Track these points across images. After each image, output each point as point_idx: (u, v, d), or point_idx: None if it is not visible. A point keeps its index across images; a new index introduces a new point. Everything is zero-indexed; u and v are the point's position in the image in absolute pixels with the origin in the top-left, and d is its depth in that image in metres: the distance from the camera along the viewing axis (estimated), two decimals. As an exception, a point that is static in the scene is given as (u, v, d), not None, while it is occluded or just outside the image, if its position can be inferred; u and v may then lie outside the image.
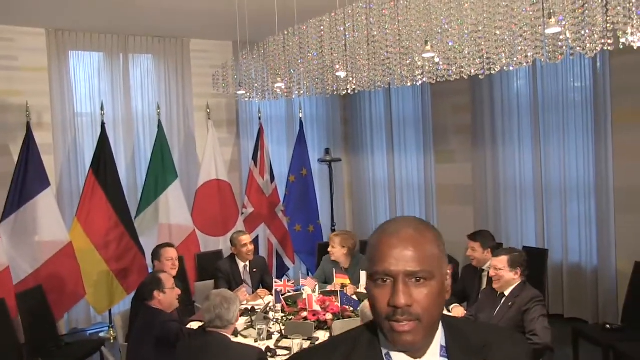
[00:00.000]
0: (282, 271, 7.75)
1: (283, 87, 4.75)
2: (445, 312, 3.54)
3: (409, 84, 4.12)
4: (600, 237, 6.27)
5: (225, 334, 3.30)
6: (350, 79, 4.19)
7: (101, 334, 6.92)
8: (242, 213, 7.56)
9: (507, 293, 3.96)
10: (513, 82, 7.03)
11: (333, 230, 8.56)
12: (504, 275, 3.94)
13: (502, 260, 3.96)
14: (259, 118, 7.93)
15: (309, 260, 7.98)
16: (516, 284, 3.94)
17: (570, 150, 6.45)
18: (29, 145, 6.29)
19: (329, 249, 5.53)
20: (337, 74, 4.11)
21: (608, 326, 4.93)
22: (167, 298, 3.91)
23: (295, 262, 8.03)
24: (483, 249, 4.70)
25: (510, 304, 3.88)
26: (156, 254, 5.05)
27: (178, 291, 4.05)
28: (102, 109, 6.77)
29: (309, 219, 8.19)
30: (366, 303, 3.14)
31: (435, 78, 4.03)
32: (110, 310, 6.92)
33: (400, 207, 8.50)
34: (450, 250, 5.49)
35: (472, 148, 7.44)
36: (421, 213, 8.14)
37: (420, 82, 4.08)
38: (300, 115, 8.30)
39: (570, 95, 6.46)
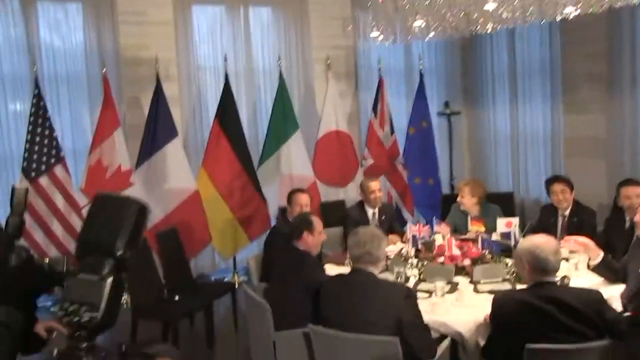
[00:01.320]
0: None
1: (422, 24, 4.57)
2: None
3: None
4: None
5: (373, 270, 3.25)
6: (500, 11, 3.93)
7: (226, 279, 7.14)
8: (362, 165, 7.51)
9: None
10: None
11: (452, 186, 8.39)
12: None
13: None
14: (379, 69, 7.78)
15: (427, 213, 7.81)
16: None
17: None
18: (158, 97, 6.49)
19: (459, 199, 5.38)
20: (486, 7, 3.88)
21: None
22: (315, 241, 3.91)
23: (414, 216, 7.91)
24: None
25: None
26: (289, 197, 5.09)
27: (325, 237, 4.04)
28: (225, 60, 6.86)
29: (429, 172, 8.01)
30: (532, 240, 2.98)
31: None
32: (234, 257, 7.13)
33: (523, 161, 8.13)
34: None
35: (607, 98, 6.95)
36: (546, 166, 7.76)
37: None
38: (421, 66, 8.07)
39: None
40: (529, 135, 8.05)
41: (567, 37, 7.33)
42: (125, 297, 4.94)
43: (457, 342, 3.37)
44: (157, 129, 6.45)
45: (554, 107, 7.64)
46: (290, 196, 5.10)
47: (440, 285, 3.59)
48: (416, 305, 3.14)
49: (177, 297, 4.97)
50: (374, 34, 5.08)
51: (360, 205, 5.57)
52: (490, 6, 3.83)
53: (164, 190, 6.46)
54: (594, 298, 2.86)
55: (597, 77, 7.07)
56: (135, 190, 6.09)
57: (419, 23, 4.55)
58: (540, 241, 2.94)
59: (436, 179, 8.05)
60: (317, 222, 3.96)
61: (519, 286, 3.74)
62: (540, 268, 2.85)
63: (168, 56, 6.95)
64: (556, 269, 2.90)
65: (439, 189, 7.94)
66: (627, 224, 4.57)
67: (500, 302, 2.90)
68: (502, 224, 4.65)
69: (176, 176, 6.51)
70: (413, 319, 3.06)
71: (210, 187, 6.78)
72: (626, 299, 3.40)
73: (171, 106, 6.60)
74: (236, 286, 6.71)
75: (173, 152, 6.51)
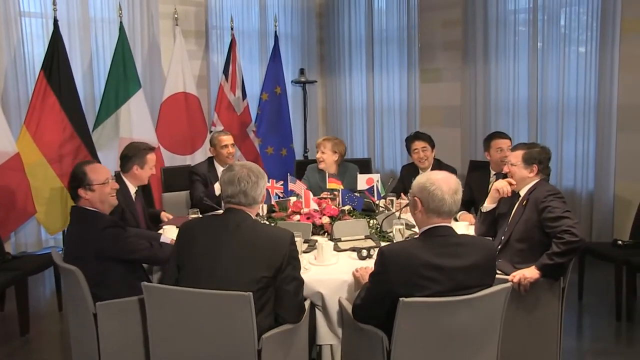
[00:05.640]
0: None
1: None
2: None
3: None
4: (598, 159, 5.92)
5: (250, 213, 2.71)
6: None
7: (53, 258, 6.24)
8: (211, 131, 6.91)
9: (522, 193, 3.48)
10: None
11: (306, 157, 8.04)
12: (517, 172, 3.45)
13: (517, 155, 3.47)
14: (231, 29, 7.22)
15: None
16: (533, 183, 3.44)
17: (571, 66, 6.03)
18: (-34, 40, 5.48)
19: (318, 156, 5.00)
20: None
21: (620, 242, 4.61)
22: (97, 195, 3.14)
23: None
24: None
25: (524, 202, 3.38)
26: (140, 157, 4.19)
27: (115, 185, 3.29)
28: (54, 4, 5.95)
29: (282, 142, 7.62)
30: (429, 175, 2.57)
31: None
32: (63, 232, 6.26)
33: (379, 132, 7.99)
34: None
35: (462, 65, 6.93)
36: (402, 136, 7.63)
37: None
38: (275, 27, 7.63)
39: (574, 8, 6.00)
40: (385, 106, 7.92)
41: (423, 4, 7.24)
42: None
43: (314, 305, 2.95)
44: (-34, 79, 5.44)
45: (410, 76, 7.55)
46: (143, 156, 4.17)
47: (298, 240, 3.13)
48: (297, 253, 2.70)
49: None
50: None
51: (210, 161, 5.01)
52: None
53: (-24, 153, 5.46)
54: (491, 248, 2.58)
55: (453, 45, 7.05)
56: None
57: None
58: (438, 177, 2.53)
59: (289, 150, 7.68)
60: (92, 171, 3.18)
61: (383, 243, 3.41)
62: (434, 208, 2.47)
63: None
64: (452, 212, 2.51)
65: (292, 160, 7.56)
66: (492, 179, 4.47)
67: (387, 256, 2.41)
68: (362, 180, 4.33)
69: (-9, 136, 5.53)
70: (294, 270, 2.61)
71: (34, 150, 5.86)
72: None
73: (-16, 54, 5.60)
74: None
75: (-14, 108, 5.52)
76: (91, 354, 2.97)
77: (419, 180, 2.56)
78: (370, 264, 3.05)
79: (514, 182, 3.51)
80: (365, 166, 6.15)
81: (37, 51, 6.30)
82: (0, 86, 6.06)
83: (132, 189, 4.25)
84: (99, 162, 5.83)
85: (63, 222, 6.09)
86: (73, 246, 3.13)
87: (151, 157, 4.26)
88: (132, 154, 4.23)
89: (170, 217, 4.45)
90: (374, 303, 2.50)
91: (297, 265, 2.65)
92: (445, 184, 2.48)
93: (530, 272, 3.08)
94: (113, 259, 3.02)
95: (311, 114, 8.28)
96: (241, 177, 2.66)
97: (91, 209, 3.14)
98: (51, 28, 5.95)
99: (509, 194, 3.53)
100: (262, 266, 2.51)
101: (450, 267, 2.36)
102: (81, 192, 3.12)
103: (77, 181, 3.14)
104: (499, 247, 3.37)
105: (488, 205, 3.63)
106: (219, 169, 4.92)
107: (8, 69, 6.12)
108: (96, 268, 2.98)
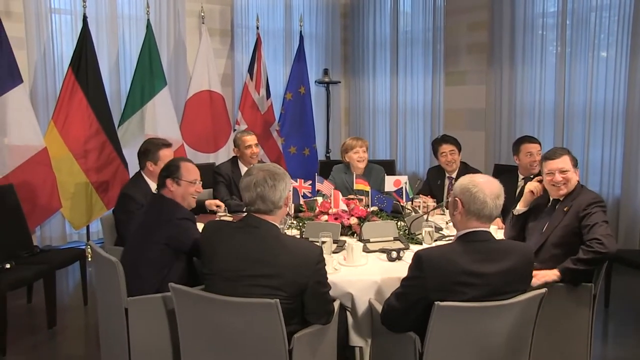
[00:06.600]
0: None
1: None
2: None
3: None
4: (626, 165, 5.84)
5: (273, 222, 2.61)
6: None
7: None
8: (235, 130, 6.94)
9: (561, 198, 3.41)
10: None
11: (328, 157, 8.05)
12: (573, 177, 3.35)
13: (566, 161, 3.36)
14: (257, 28, 7.24)
15: (303, 184, 7.43)
16: (574, 187, 3.38)
17: (600, 71, 5.95)
18: (-4, 34, 5.52)
19: (360, 155, 5.00)
20: None
21: (649, 250, 4.56)
22: (181, 191, 3.21)
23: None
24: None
25: (565, 208, 3.31)
26: (153, 153, 4.13)
27: (199, 189, 3.36)
28: (84, 0, 6.00)
29: (305, 142, 7.63)
30: (472, 177, 2.55)
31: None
32: (88, 227, 6.32)
33: (402, 134, 7.97)
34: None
35: (487, 69, 6.89)
36: (425, 139, 7.61)
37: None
38: (301, 26, 7.64)
39: (605, 12, 5.93)
40: (408, 108, 7.90)
41: (450, 7, 7.21)
42: None
43: (344, 307, 2.94)
44: (-5, 73, 5.48)
45: (435, 78, 7.52)
46: (155, 152, 4.13)
47: (328, 241, 3.13)
48: (325, 270, 2.59)
49: (7, 265, 4.12)
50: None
51: (234, 161, 5.01)
52: None
53: (4, 147, 5.54)
54: (529, 253, 2.56)
55: (478, 48, 7.00)
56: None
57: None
58: (481, 180, 2.51)
59: (312, 150, 7.68)
60: (186, 169, 3.25)
61: (414, 247, 3.40)
62: (474, 211, 2.45)
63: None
64: (492, 217, 2.50)
65: (314, 160, 7.56)
66: (520, 183, 4.43)
67: (425, 261, 2.38)
68: (390, 182, 4.31)
69: (19, 130, 5.59)
70: (319, 286, 2.53)
71: (61, 145, 5.93)
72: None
73: (15, 49, 5.63)
74: (87, 255, 5.77)
75: (16, 102, 5.56)
76: (121, 348, 2.99)
77: (462, 181, 2.54)
78: (400, 265, 3.06)
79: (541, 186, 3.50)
80: (389, 168, 6.14)
81: (66, 47, 6.38)
82: (30, 81, 6.13)
83: (153, 186, 4.13)
84: (123, 158, 6.02)
85: (88, 217, 6.16)
86: (143, 229, 3.14)
87: (164, 153, 4.17)
88: (145, 151, 4.22)
89: (219, 203, 4.46)
90: (407, 309, 2.46)
91: (324, 282, 2.58)
92: (488, 188, 2.46)
93: (550, 272, 3.04)
94: (179, 250, 3.05)
95: (334, 114, 8.30)
96: (257, 182, 2.57)
97: (171, 198, 3.20)
98: (80, 25, 6.02)
99: (542, 192, 3.50)
100: (285, 287, 2.45)
101: (487, 273, 2.35)
102: (168, 182, 3.20)
103: (168, 171, 3.23)
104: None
105: (521, 208, 3.60)
106: (243, 169, 4.90)
107: (38, 65, 6.20)
108: (162, 256, 3.02)
